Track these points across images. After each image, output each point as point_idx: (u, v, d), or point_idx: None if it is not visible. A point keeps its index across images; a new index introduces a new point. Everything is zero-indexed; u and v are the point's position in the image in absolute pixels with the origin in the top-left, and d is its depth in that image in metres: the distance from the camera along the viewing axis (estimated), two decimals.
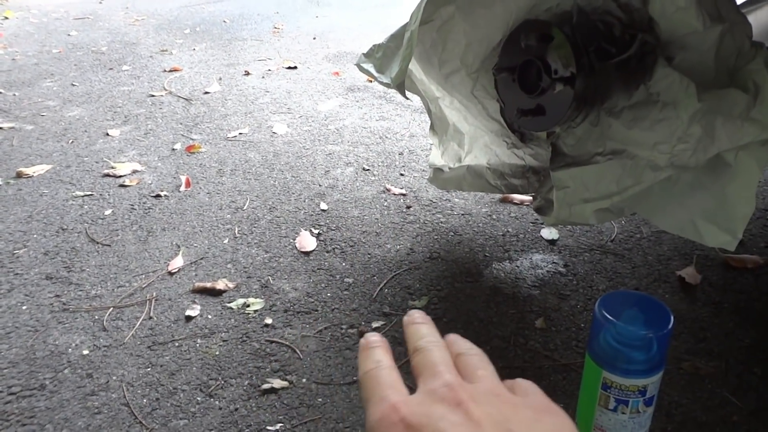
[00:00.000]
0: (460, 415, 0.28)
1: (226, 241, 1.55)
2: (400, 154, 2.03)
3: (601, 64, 1.05)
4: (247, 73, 2.91)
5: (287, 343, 1.20)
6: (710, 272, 1.38)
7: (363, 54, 1.33)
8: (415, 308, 1.26)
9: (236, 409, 1.05)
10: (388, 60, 1.26)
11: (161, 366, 1.16)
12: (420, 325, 0.38)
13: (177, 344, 1.21)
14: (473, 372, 0.34)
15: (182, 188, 1.82)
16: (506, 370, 1.12)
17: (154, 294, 1.35)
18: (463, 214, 1.65)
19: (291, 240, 1.55)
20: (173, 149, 2.09)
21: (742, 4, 1.30)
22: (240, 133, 2.21)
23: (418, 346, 0.36)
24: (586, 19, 1.06)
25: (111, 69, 3.01)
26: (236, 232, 1.59)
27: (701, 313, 1.25)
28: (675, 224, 1.04)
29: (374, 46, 1.31)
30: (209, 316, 1.28)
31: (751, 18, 1.13)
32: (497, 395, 0.31)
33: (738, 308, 1.26)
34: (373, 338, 0.37)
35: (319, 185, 1.83)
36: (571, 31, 1.06)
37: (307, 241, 1.53)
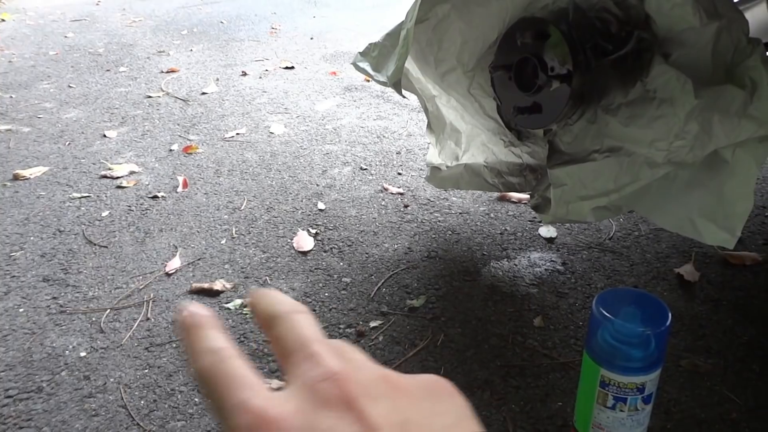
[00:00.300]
0: (354, 425, 0.22)
1: (223, 242, 1.54)
2: (398, 153, 2.02)
3: (597, 61, 1.05)
4: (245, 74, 2.90)
5: None
6: (709, 269, 1.37)
7: (359, 53, 1.33)
8: (414, 307, 1.26)
9: None
10: (385, 59, 1.25)
11: (159, 367, 1.15)
12: (275, 293, 0.29)
13: (174, 345, 1.21)
14: (343, 354, 0.26)
15: (179, 189, 1.82)
16: (504, 369, 1.11)
17: (152, 295, 1.35)
18: (460, 213, 1.65)
19: (288, 240, 1.54)
20: (170, 150, 2.09)
21: (739, 1, 1.30)
22: (237, 134, 2.21)
23: (277, 312, 0.27)
24: (583, 16, 1.05)
25: (108, 70, 3.01)
26: (234, 232, 1.59)
27: (700, 311, 1.25)
28: (673, 222, 1.04)
29: (370, 44, 1.30)
30: None
31: (748, 14, 1.13)
32: (386, 380, 0.25)
33: (737, 305, 1.26)
34: (200, 313, 0.27)
35: (317, 185, 1.82)
36: (568, 29, 1.06)
37: (304, 241, 1.53)
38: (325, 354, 0.25)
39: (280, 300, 0.28)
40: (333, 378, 0.23)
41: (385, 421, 0.22)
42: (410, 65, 1.32)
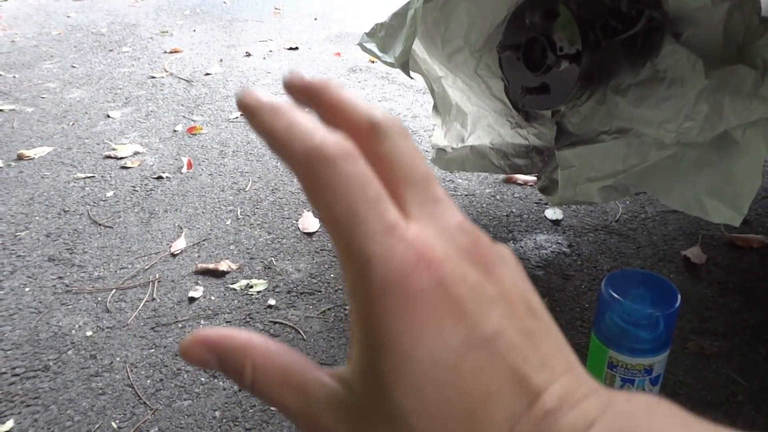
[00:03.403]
0: (494, 288, 0.19)
1: (228, 223, 1.54)
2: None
3: (607, 41, 1.04)
4: (248, 54, 2.89)
5: (291, 324, 1.20)
6: (715, 252, 1.37)
7: (365, 33, 1.32)
8: None
9: (240, 390, 1.05)
10: (391, 39, 1.24)
11: (165, 347, 1.16)
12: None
13: (180, 325, 1.21)
14: (432, 198, 0.21)
15: (184, 170, 1.81)
16: None
17: (157, 275, 1.35)
18: (466, 195, 1.64)
19: (294, 221, 1.54)
20: (174, 131, 2.08)
21: None
22: (241, 115, 2.19)
23: (373, 119, 0.21)
24: None
25: (111, 50, 2.99)
26: (239, 213, 1.58)
27: (706, 293, 1.25)
28: (680, 201, 1.03)
29: (377, 25, 1.29)
30: (212, 298, 1.28)
31: None
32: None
33: (743, 288, 1.26)
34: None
35: None
36: (577, 7, 1.04)
37: (309, 222, 1.53)
38: (450, 202, 0.21)
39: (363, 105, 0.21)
40: (469, 232, 0.20)
41: (515, 289, 0.20)
42: (416, 46, 1.31)
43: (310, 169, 0.19)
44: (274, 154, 0.19)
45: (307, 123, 0.19)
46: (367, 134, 0.20)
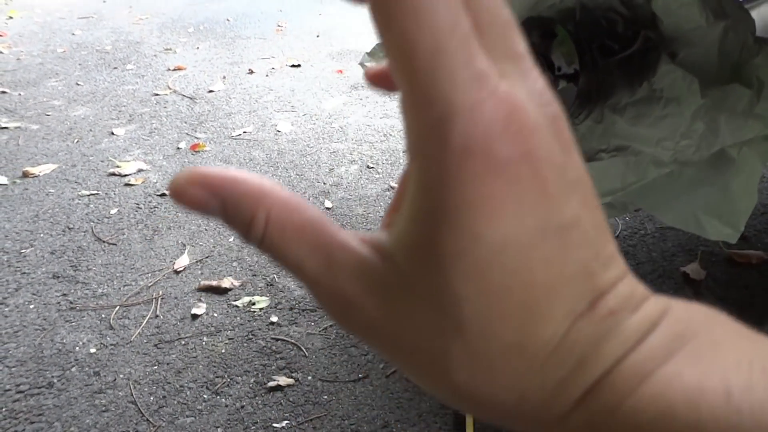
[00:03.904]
0: (574, 171, 0.17)
1: (231, 240, 1.55)
2: (405, 151, 2.03)
3: (604, 60, 1.05)
4: (251, 72, 2.91)
5: (293, 340, 1.21)
6: (715, 268, 1.38)
7: (367, 53, 1.34)
8: None
9: (242, 407, 1.06)
10: None
11: (168, 364, 1.16)
12: None
13: (183, 342, 1.22)
14: (511, 47, 0.17)
15: None
16: None
17: (161, 292, 1.36)
18: None
19: None
20: (178, 148, 2.10)
21: (745, 0, 1.30)
22: (244, 132, 2.22)
23: None
24: (590, 16, 1.06)
25: (115, 68, 3.02)
26: None
27: None
28: (678, 218, 1.04)
29: (378, 44, 1.31)
30: (215, 315, 1.29)
31: (754, 13, 1.13)
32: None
33: (742, 304, 1.26)
34: None
35: (324, 183, 1.83)
36: (575, 28, 1.06)
37: None
38: (533, 62, 0.18)
39: None
40: (554, 102, 0.17)
41: (590, 182, 0.18)
42: None
43: None
44: None
45: None
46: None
